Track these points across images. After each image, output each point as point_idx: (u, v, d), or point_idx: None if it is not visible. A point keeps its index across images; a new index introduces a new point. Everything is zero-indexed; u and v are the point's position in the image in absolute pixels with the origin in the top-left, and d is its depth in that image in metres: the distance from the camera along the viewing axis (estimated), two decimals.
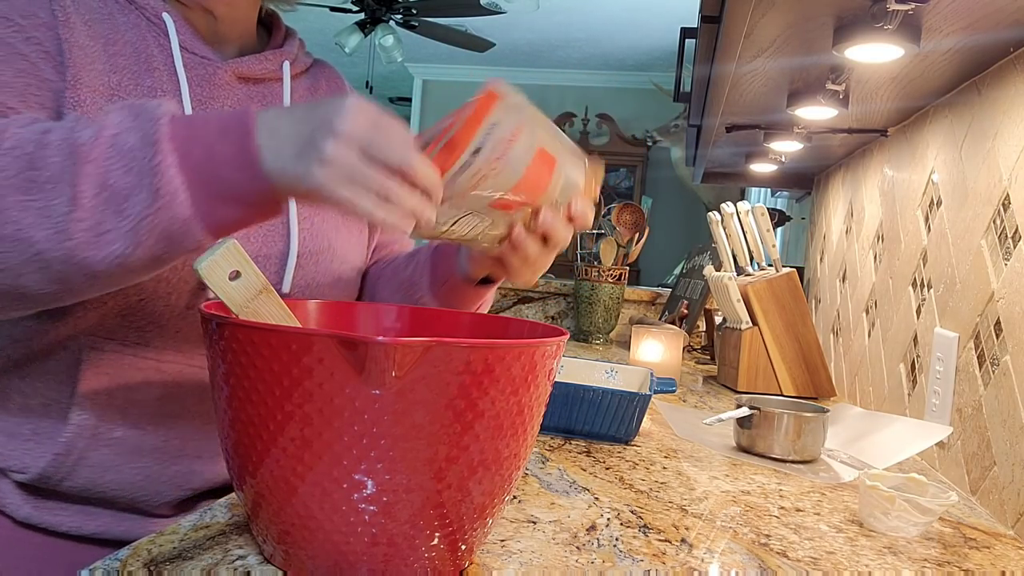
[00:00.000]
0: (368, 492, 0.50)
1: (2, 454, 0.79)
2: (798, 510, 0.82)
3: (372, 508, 0.51)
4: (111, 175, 0.56)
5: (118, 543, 0.79)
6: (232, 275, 0.55)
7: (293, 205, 0.81)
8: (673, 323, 2.15)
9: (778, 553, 0.69)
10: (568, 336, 0.59)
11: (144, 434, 0.79)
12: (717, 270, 1.67)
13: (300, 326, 0.63)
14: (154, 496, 0.81)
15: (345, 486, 0.50)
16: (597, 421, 1.04)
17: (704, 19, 1.18)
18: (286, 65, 0.86)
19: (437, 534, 0.53)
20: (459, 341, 0.49)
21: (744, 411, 1.05)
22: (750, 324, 1.55)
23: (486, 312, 0.88)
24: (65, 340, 0.76)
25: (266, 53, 0.85)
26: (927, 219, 1.20)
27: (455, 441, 0.51)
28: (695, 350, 2.18)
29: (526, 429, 0.56)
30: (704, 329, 2.22)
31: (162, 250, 0.58)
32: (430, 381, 0.49)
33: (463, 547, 0.56)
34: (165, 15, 0.78)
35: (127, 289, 0.72)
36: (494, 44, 4.47)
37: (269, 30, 0.91)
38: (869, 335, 1.45)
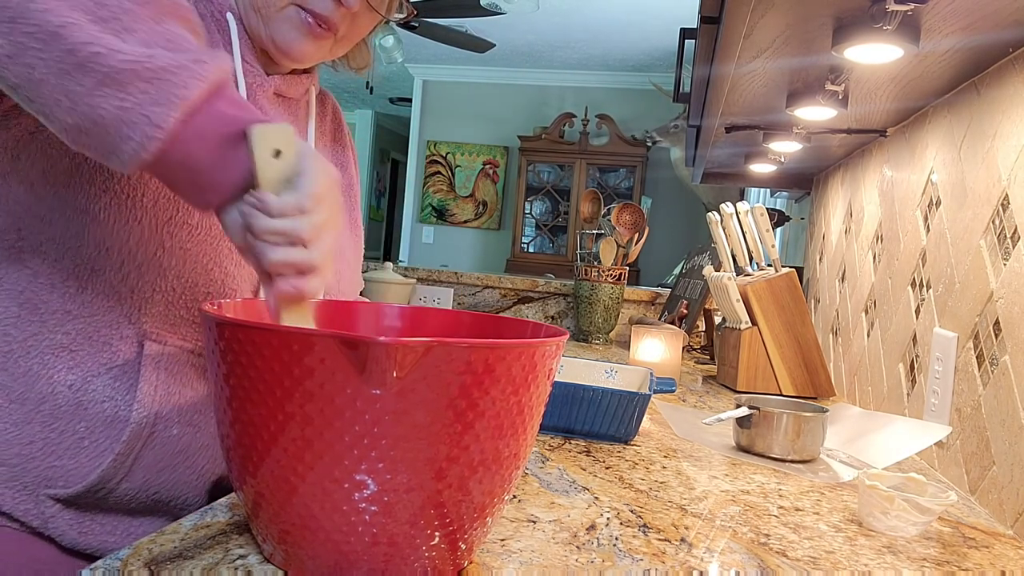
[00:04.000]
0: (369, 492, 0.50)
1: (45, 466, 0.73)
2: (797, 509, 0.83)
3: (373, 508, 0.51)
4: (163, 36, 0.58)
5: None
6: (275, 153, 0.57)
7: None
8: (673, 323, 2.15)
9: (777, 552, 0.69)
10: (568, 336, 0.59)
11: (197, 432, 0.80)
12: (716, 270, 1.67)
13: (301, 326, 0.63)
14: (205, 497, 0.82)
15: (346, 486, 0.50)
16: (597, 421, 1.04)
17: (704, 20, 1.18)
18: (312, 90, 0.95)
19: (437, 533, 0.53)
20: (460, 341, 0.49)
21: (743, 411, 1.05)
22: (749, 324, 1.55)
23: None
24: (127, 332, 0.76)
25: (300, 76, 0.91)
26: (926, 219, 1.20)
27: (456, 441, 0.51)
28: (695, 350, 2.19)
29: (526, 429, 0.56)
30: (704, 329, 2.22)
31: (123, 97, 0.54)
32: (431, 381, 0.49)
33: (463, 546, 0.56)
34: (229, 16, 0.82)
35: (195, 278, 0.76)
36: (494, 44, 4.46)
37: None
38: (868, 335, 1.45)
